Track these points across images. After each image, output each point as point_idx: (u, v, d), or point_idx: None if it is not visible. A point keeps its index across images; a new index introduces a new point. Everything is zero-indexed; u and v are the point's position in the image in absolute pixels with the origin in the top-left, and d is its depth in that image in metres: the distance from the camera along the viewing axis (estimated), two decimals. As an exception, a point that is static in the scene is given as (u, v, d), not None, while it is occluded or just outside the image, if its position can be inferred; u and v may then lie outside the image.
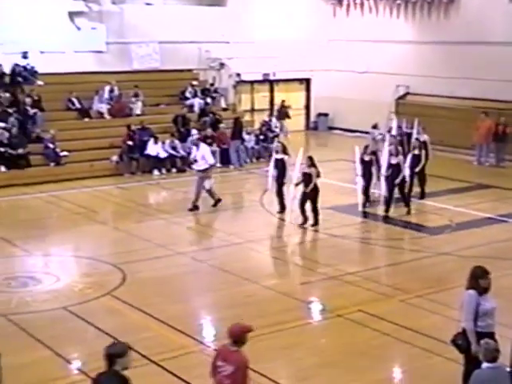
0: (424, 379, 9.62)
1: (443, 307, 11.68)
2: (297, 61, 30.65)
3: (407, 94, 29.49)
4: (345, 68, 31.03)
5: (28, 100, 24.16)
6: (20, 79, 25.30)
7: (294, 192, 17.00)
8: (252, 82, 31.51)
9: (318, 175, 16.63)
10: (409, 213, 17.92)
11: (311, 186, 16.41)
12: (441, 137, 24.12)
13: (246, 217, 18.89)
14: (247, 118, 29.86)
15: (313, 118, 33.46)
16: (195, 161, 18.52)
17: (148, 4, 28.64)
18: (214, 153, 24.97)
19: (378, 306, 12.01)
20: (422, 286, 12.90)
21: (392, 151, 17.69)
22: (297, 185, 16.89)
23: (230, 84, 30.16)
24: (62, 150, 23.08)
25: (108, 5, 27.33)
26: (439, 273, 13.85)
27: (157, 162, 23.96)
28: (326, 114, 32.59)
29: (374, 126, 24.54)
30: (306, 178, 16.56)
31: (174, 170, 24.19)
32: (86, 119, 25.42)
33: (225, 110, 28.48)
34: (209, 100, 27.89)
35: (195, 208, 18.28)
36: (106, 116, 25.83)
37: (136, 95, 26.57)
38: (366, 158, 18.34)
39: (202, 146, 18.76)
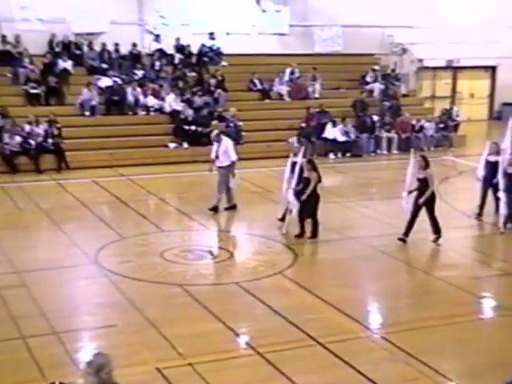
0: None
1: None
2: (482, 47, 29.54)
3: None
4: (535, 56, 29.58)
5: (213, 81, 24.96)
6: (206, 59, 26.21)
7: (292, 199, 14.90)
8: (434, 69, 30.77)
9: (319, 181, 14.58)
10: (436, 240, 14.52)
11: (308, 192, 14.35)
12: None
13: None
14: (427, 105, 29.24)
15: (497, 107, 32.20)
16: (217, 157, 16.76)
17: (332, -13, 28.65)
18: (389, 140, 24.93)
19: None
20: None
21: (420, 163, 14.42)
22: (297, 191, 14.80)
23: (411, 70, 29.64)
24: (241, 130, 23.70)
25: (293, -13, 27.64)
26: None
27: (333, 146, 24.05)
28: (511, 104, 31.23)
29: None
30: (306, 184, 14.54)
31: (348, 154, 24.21)
32: (267, 100, 25.91)
33: (405, 96, 28.03)
34: (389, 86, 27.55)
35: (233, 207, 16.88)
36: (286, 98, 26.20)
37: (314, 78, 26.71)
38: (510, 171, 15.47)
39: (225, 140, 16.94)
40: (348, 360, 9.22)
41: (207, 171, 17.34)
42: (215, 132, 17.35)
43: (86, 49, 25.29)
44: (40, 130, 21.58)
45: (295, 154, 15.42)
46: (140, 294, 11.54)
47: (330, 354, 9.44)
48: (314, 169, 14.59)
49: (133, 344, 9.61)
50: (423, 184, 14.20)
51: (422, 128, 25.71)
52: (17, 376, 8.74)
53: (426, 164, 14.28)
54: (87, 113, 23.25)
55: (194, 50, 26.35)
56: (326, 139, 24.20)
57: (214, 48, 26.59)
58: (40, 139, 21.40)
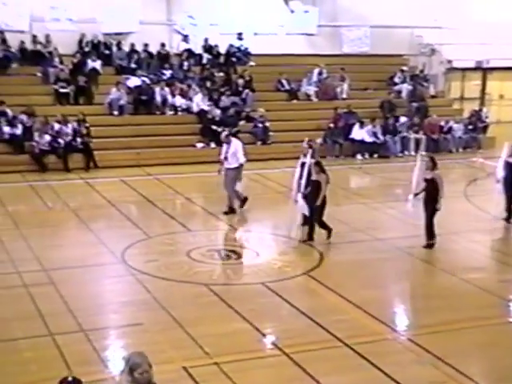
0: None
1: None
2: (512, 48, 29.27)
3: None
4: None
5: (240, 81, 25.01)
6: (234, 59, 26.25)
7: (301, 201, 14.53)
8: (463, 70, 30.53)
9: (328, 182, 14.24)
10: (427, 247, 14.10)
11: (321, 195, 14.02)
12: None
13: (448, 207, 18.20)
14: (456, 106, 29.06)
15: (527, 109, 31.90)
16: (225, 159, 16.45)
17: (362, -12, 28.55)
18: (417, 141, 24.81)
19: None
20: None
21: (428, 164, 14.03)
22: (304, 194, 14.47)
23: (440, 71, 29.44)
24: (269, 131, 23.73)
25: (322, -12, 27.62)
26: None
27: (361, 147, 23.99)
28: (541, 106, 30.95)
29: None
30: (314, 187, 14.14)
31: (375, 155, 24.13)
32: (294, 101, 25.89)
33: (434, 97, 27.89)
34: (418, 87, 27.41)
35: (231, 211, 16.53)
36: (313, 98, 26.17)
37: (342, 79, 26.67)
38: None
39: (234, 142, 16.65)
40: (374, 361, 9.19)
41: (216, 172, 17.09)
42: (224, 133, 17.22)
43: (114, 49, 25.47)
44: (69, 129, 21.76)
45: (305, 155, 15.08)
46: (166, 293, 11.60)
47: (357, 356, 9.42)
48: (323, 170, 14.27)
49: (159, 343, 9.65)
50: (430, 185, 13.86)
51: (450, 129, 25.57)
52: (45, 373, 8.82)
53: (433, 165, 13.92)
54: (115, 112, 23.40)
55: (222, 50, 26.42)
56: (353, 140, 24.15)
57: (242, 48, 26.64)
58: (69, 138, 21.58)
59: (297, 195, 14.84)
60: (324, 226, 14.44)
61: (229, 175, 16.54)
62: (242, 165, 16.58)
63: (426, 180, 14.01)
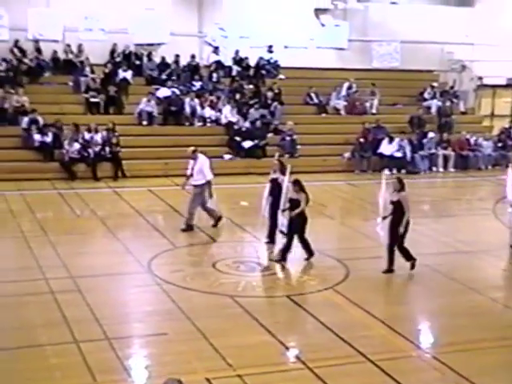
0: None
1: None
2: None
3: None
4: None
5: (270, 94, 25.08)
6: (263, 72, 26.35)
7: (281, 219, 14.32)
8: (494, 87, 30.37)
9: (307, 201, 13.82)
10: (412, 268, 13.53)
11: (297, 211, 13.60)
12: None
13: (476, 225, 18.22)
14: (486, 123, 28.88)
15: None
16: (191, 175, 16.06)
17: (393, 3, 28.54)
18: (446, 158, 24.68)
19: None
20: None
21: (394, 185, 13.34)
22: (283, 211, 14.19)
23: (470, 87, 29.30)
24: (297, 144, 23.74)
25: (353, 3, 27.60)
26: None
27: (389, 162, 23.88)
28: None
29: None
30: (294, 205, 13.80)
31: (403, 171, 23.97)
32: (323, 114, 25.90)
33: (463, 113, 27.74)
34: (447, 103, 27.30)
35: (189, 228, 16.00)
36: (342, 112, 26.16)
37: (372, 93, 26.65)
38: None
39: (201, 158, 16.14)
40: (398, 379, 9.11)
41: (179, 186, 16.78)
42: (191, 148, 16.48)
43: (145, 59, 25.67)
44: (98, 137, 21.95)
45: (274, 171, 14.95)
46: (191, 304, 11.61)
47: (380, 372, 9.34)
48: (302, 189, 13.80)
49: (183, 353, 9.67)
50: (397, 207, 13.16)
51: (477, 143, 25.48)
52: (69, 379, 8.87)
53: (401, 186, 13.23)
54: (145, 122, 23.57)
55: (252, 62, 26.52)
56: (381, 155, 24.08)
57: (272, 61, 26.73)
58: (98, 147, 21.76)
59: (265, 211, 14.75)
60: (306, 243, 14.09)
61: (193, 192, 16.15)
62: (208, 181, 16.14)
63: (393, 202, 13.32)
